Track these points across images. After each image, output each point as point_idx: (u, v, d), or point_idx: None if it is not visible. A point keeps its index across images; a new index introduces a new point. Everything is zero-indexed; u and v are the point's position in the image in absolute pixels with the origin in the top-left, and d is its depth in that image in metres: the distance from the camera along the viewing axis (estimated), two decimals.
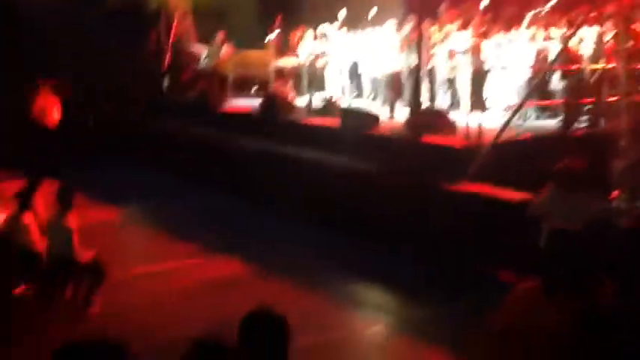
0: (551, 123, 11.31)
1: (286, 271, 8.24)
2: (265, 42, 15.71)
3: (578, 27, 10.61)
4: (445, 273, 8.17)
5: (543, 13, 12.66)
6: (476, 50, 11.79)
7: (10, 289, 6.57)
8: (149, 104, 15.99)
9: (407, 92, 12.79)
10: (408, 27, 12.59)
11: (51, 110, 12.72)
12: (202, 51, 16.42)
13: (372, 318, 7.26)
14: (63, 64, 15.75)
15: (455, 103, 12.64)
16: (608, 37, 10.94)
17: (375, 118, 11.24)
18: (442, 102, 12.65)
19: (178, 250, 9.08)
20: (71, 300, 6.98)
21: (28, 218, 6.91)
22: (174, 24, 16.80)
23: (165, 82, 16.37)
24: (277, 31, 15.51)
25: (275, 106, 12.75)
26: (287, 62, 15.47)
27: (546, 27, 12.41)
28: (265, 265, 8.46)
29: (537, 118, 11.85)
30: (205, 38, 16.95)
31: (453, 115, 11.09)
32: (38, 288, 7.01)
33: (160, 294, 7.62)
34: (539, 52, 11.82)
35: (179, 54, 16.71)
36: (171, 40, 16.72)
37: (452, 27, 12.81)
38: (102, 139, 15.26)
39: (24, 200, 7.01)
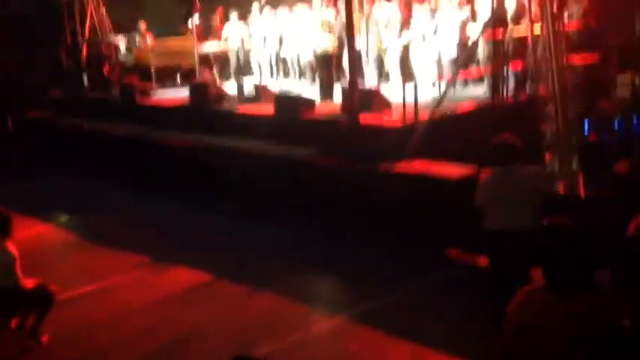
0: (479, 91, 11.40)
1: (239, 272, 8.11)
2: (186, 27, 15.26)
3: None
4: (393, 257, 8.21)
5: None
6: (403, 22, 11.80)
7: None
8: (70, 102, 15.41)
9: (337, 72, 12.70)
10: (325, 5, 12.46)
11: None
12: (121, 42, 15.90)
13: (330, 313, 7.16)
14: None
15: (383, 78, 12.66)
16: None
17: (310, 102, 11.13)
18: (370, 79, 12.63)
19: (121, 263, 8.74)
20: (18, 330, 6.72)
21: None
22: (88, 16, 16.14)
23: (85, 79, 15.78)
24: (197, 15, 14.99)
25: (206, 96, 12.47)
26: (211, 47, 15.05)
27: None
28: (216, 270, 8.25)
29: (465, 86, 11.98)
30: (122, 28, 16.37)
31: (384, 91, 11.08)
32: None
33: (112, 311, 7.36)
34: (464, 21, 11.86)
35: (96, 47, 16.09)
36: (86, 34, 16.11)
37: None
38: (24, 144, 14.72)
39: None
